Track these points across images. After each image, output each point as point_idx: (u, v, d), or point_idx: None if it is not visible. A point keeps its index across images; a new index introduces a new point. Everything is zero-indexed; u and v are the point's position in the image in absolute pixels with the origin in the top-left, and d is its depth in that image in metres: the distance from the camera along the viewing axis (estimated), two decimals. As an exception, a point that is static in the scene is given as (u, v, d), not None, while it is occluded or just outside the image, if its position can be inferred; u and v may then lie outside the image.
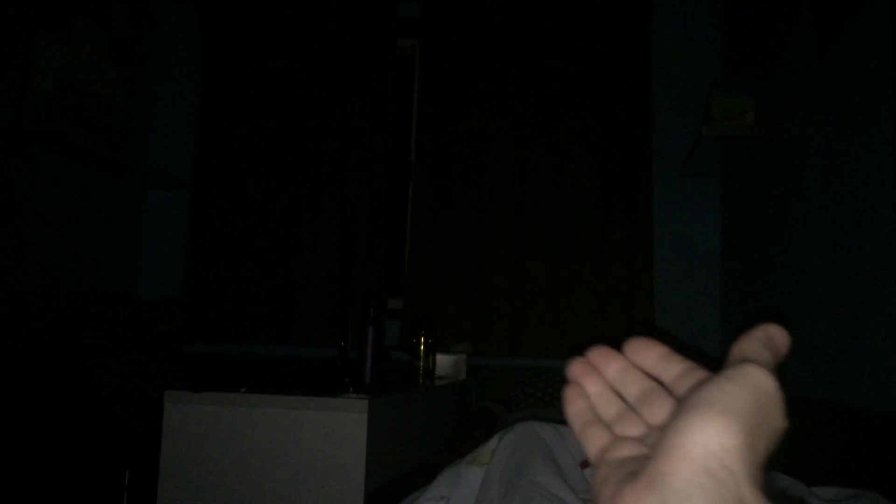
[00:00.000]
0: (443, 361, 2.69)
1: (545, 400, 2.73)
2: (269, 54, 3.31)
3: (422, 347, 2.36)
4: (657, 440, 0.34)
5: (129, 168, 3.09)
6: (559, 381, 2.76)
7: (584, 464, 1.01)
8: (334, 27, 3.28)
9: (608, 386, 0.42)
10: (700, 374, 0.39)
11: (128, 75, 3.27)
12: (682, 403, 0.34)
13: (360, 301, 1.93)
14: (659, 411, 0.40)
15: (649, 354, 0.42)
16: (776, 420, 0.34)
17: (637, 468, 0.34)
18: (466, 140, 3.14)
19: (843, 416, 1.65)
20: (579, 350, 0.43)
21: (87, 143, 2.72)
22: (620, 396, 0.42)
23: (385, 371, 2.01)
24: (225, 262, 3.22)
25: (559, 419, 0.87)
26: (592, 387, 0.42)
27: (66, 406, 2.72)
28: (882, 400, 1.47)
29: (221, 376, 3.12)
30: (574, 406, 0.42)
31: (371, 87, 3.24)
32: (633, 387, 0.42)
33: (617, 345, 0.43)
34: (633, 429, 0.40)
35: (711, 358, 0.36)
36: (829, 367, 1.79)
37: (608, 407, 0.42)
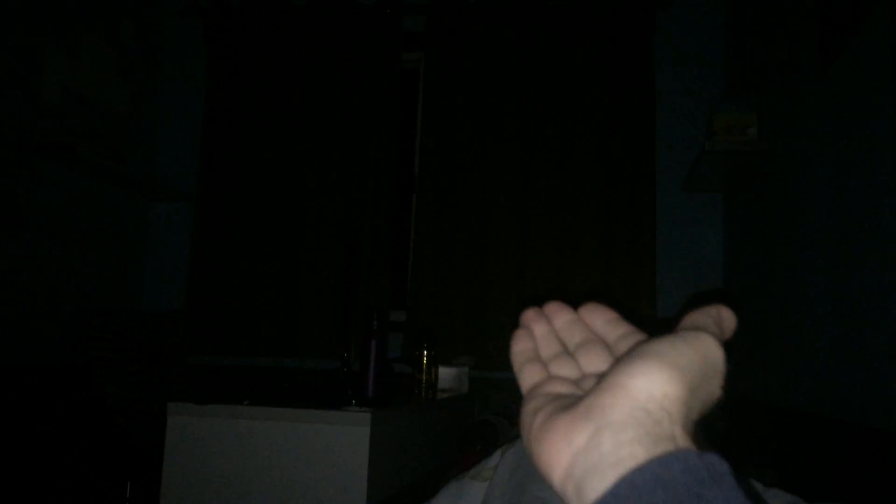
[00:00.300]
0: (445, 374, 2.69)
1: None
2: (275, 68, 3.33)
3: (424, 360, 2.36)
4: (600, 380, 0.35)
5: (135, 180, 3.11)
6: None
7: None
8: (340, 41, 3.30)
9: (554, 333, 0.45)
10: (642, 336, 0.41)
11: (134, 88, 3.29)
12: (631, 352, 0.36)
13: (363, 313, 1.93)
14: (595, 361, 0.42)
15: (600, 315, 0.44)
16: (714, 388, 0.36)
17: (570, 403, 0.36)
18: (470, 153, 3.15)
19: (848, 433, 1.65)
20: None
21: (93, 155, 2.73)
22: (564, 346, 0.44)
23: (388, 384, 2.02)
24: (229, 275, 3.23)
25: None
26: (539, 329, 0.45)
27: (70, 417, 2.72)
28: (887, 417, 1.47)
29: (224, 388, 3.12)
30: (519, 345, 0.45)
31: (376, 100, 3.26)
32: (577, 337, 0.44)
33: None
34: (568, 370, 0.42)
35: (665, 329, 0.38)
36: (833, 382, 1.78)
37: (549, 349, 0.44)
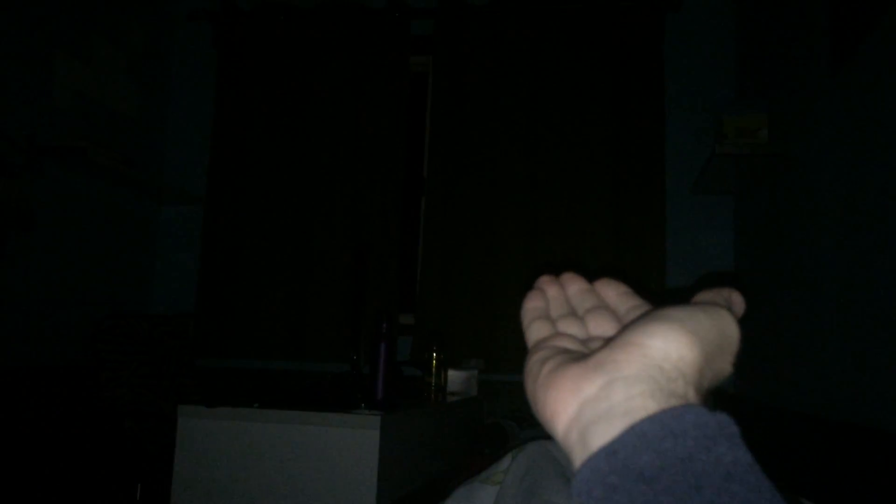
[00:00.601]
0: (454, 377, 2.69)
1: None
2: (284, 72, 3.34)
3: (434, 363, 2.36)
4: (613, 338, 0.35)
5: (145, 184, 3.12)
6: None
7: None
8: (348, 45, 3.31)
9: (566, 298, 0.46)
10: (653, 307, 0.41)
11: (144, 92, 3.31)
12: (649, 314, 0.36)
13: (373, 316, 1.94)
14: (604, 325, 0.42)
15: (614, 288, 0.45)
16: (727, 363, 0.36)
17: (579, 357, 0.36)
18: (479, 157, 3.15)
19: (856, 436, 1.64)
20: None
21: (104, 159, 2.75)
22: (574, 311, 0.45)
23: (397, 387, 2.02)
24: (238, 277, 3.24)
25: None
26: (552, 292, 0.46)
27: (80, 419, 2.73)
28: (894, 421, 1.46)
29: (234, 391, 3.13)
30: (531, 303, 0.46)
31: (384, 103, 3.27)
32: (588, 303, 0.45)
33: None
34: (575, 330, 0.43)
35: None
36: (843, 386, 1.77)
37: (559, 308, 0.45)
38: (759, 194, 2.67)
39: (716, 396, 0.37)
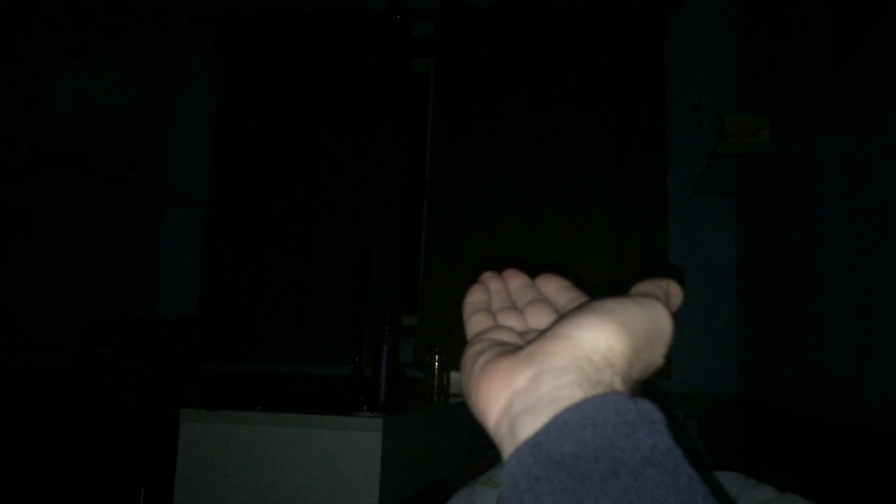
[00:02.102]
0: (457, 379, 2.68)
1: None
2: (285, 74, 3.34)
3: (436, 365, 2.36)
4: (546, 330, 0.36)
5: (148, 187, 3.13)
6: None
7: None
8: (350, 47, 3.31)
9: (508, 292, 0.47)
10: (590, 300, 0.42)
11: (147, 95, 3.32)
12: (582, 306, 0.36)
13: (375, 319, 1.94)
14: (542, 318, 0.43)
15: (554, 282, 0.46)
16: (658, 355, 0.37)
17: (513, 349, 0.36)
18: (481, 158, 3.15)
19: (865, 437, 1.63)
20: None
21: (106, 162, 2.75)
22: (515, 305, 0.46)
23: (399, 389, 2.02)
24: (241, 281, 3.24)
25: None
26: (494, 285, 0.47)
27: (83, 423, 2.74)
28: (901, 420, 1.45)
29: (237, 394, 3.13)
30: (472, 297, 0.47)
31: (386, 105, 3.27)
32: (528, 297, 0.46)
33: None
34: (514, 322, 0.43)
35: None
36: (849, 385, 1.77)
37: (500, 301, 0.46)
38: (761, 194, 2.67)
39: (649, 386, 0.37)
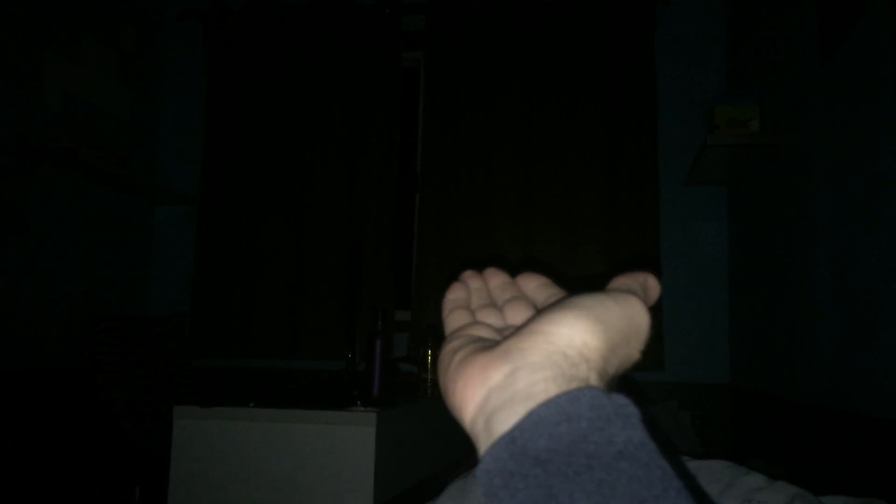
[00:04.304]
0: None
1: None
2: (275, 70, 3.33)
3: (429, 359, 2.36)
4: (522, 326, 0.36)
5: (138, 185, 3.11)
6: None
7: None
8: (340, 42, 3.30)
9: (487, 290, 0.47)
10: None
11: (135, 93, 3.30)
12: (558, 302, 0.37)
13: (368, 313, 1.93)
14: (520, 314, 0.43)
15: (533, 280, 0.47)
16: (634, 351, 0.37)
17: (490, 345, 0.36)
18: (472, 151, 3.15)
19: (854, 424, 1.64)
20: None
21: (96, 160, 2.74)
22: (494, 303, 0.46)
23: (393, 383, 2.02)
24: (233, 277, 3.24)
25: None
26: (474, 283, 0.48)
27: (76, 422, 2.73)
28: (889, 408, 1.46)
29: (230, 391, 3.12)
30: (452, 294, 0.47)
31: (377, 100, 3.26)
32: (507, 294, 0.46)
33: None
34: (493, 319, 0.44)
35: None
36: (838, 374, 1.78)
37: (480, 299, 0.46)
38: (751, 184, 2.67)
39: (622, 381, 0.37)
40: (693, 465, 1.00)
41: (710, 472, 0.97)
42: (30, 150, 2.60)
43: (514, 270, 0.49)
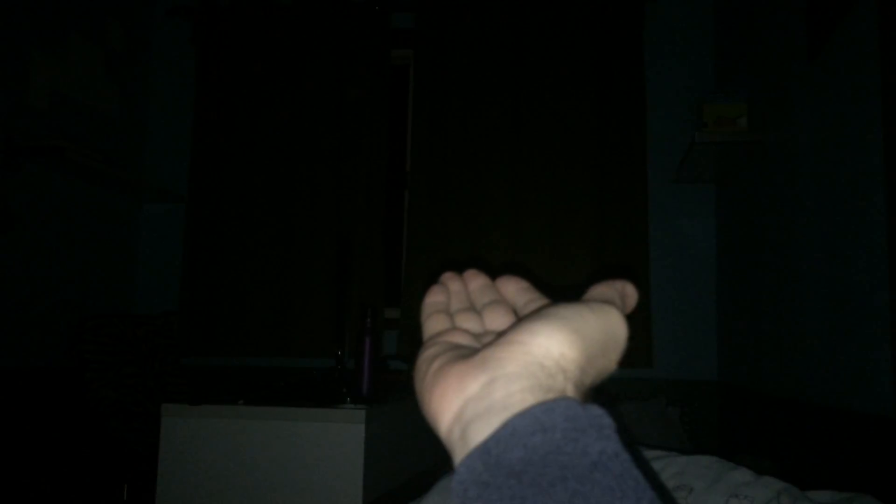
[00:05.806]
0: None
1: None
2: (264, 67, 3.32)
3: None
4: (500, 335, 0.36)
5: (126, 182, 3.10)
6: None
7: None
8: (328, 39, 3.29)
9: (467, 294, 0.47)
10: (548, 303, 0.42)
11: (123, 90, 3.28)
12: (537, 312, 0.37)
13: (357, 311, 1.93)
14: (499, 319, 0.43)
15: (513, 284, 0.47)
16: (611, 361, 0.37)
17: (467, 354, 0.36)
18: (461, 149, 3.15)
19: (840, 420, 1.65)
20: None
21: (83, 157, 2.72)
22: (474, 307, 0.46)
23: (382, 381, 2.02)
24: (222, 275, 3.22)
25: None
26: (454, 286, 0.48)
27: (64, 420, 2.71)
28: (875, 403, 1.48)
29: (219, 389, 3.11)
30: (431, 298, 0.47)
31: (366, 97, 3.25)
32: (487, 298, 0.46)
33: None
34: (471, 324, 0.44)
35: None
36: (825, 370, 1.79)
37: (459, 303, 0.46)
38: (740, 182, 2.69)
39: (597, 392, 0.37)
40: (681, 460, 1.01)
41: (698, 468, 0.98)
42: (16, 148, 2.58)
43: (494, 273, 0.49)
